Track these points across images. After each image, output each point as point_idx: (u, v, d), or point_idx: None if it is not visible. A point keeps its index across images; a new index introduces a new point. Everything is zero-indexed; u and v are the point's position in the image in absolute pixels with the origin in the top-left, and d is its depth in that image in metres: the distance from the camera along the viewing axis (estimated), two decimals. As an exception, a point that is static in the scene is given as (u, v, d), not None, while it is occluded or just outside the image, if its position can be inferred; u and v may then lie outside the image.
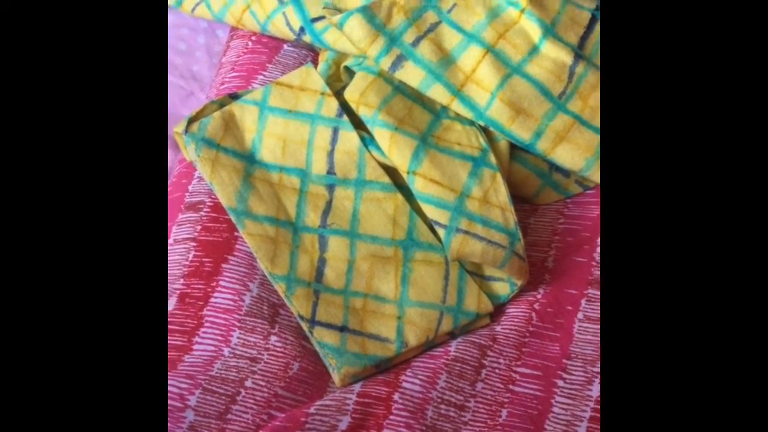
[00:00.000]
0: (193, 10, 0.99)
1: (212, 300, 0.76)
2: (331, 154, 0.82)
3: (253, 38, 0.96)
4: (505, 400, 0.73)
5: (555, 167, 0.86)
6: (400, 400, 0.72)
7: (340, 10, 0.87)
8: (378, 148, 0.82)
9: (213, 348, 0.74)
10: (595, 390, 0.72)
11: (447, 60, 0.83)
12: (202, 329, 0.75)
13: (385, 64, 0.82)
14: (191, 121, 0.83)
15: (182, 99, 1.00)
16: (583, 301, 0.77)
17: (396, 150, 0.80)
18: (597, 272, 0.79)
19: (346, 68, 0.88)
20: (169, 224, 0.81)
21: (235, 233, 0.80)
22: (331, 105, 0.84)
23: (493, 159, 0.81)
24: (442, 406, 0.72)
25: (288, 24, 0.91)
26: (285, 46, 0.95)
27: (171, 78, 1.02)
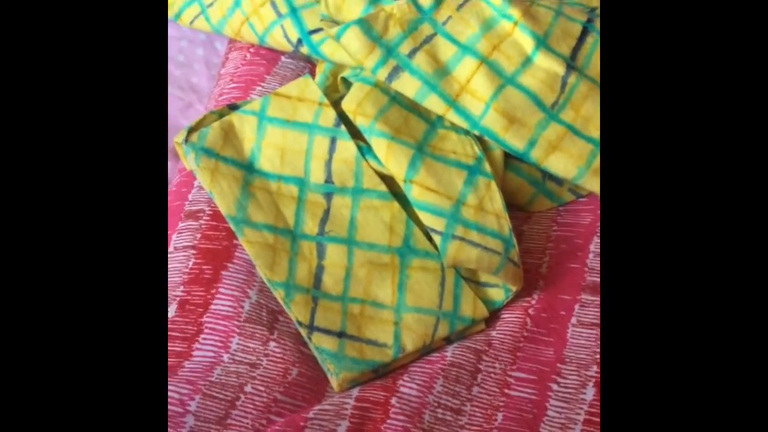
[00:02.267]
0: (192, 22, 1.01)
1: (212, 307, 0.77)
2: (328, 163, 0.84)
3: (252, 50, 0.98)
4: (501, 403, 0.74)
5: (548, 176, 0.87)
6: (398, 405, 0.73)
7: (337, 23, 0.89)
8: (375, 157, 0.84)
9: (213, 354, 0.75)
10: (589, 393, 0.73)
11: (442, 71, 0.84)
12: (202, 335, 0.76)
13: (382, 74, 0.84)
14: (191, 131, 0.84)
15: (181, 110, 1.02)
16: (576, 307, 0.79)
17: (393, 159, 0.81)
18: (590, 278, 0.81)
19: (343, 79, 0.90)
20: (169, 232, 0.83)
21: (235, 241, 0.81)
22: (329, 115, 0.85)
23: (488, 167, 0.83)
24: (439, 410, 0.73)
25: (286, 36, 0.92)
26: (283, 58, 0.97)
27: (170, 89, 1.03)
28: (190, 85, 1.04)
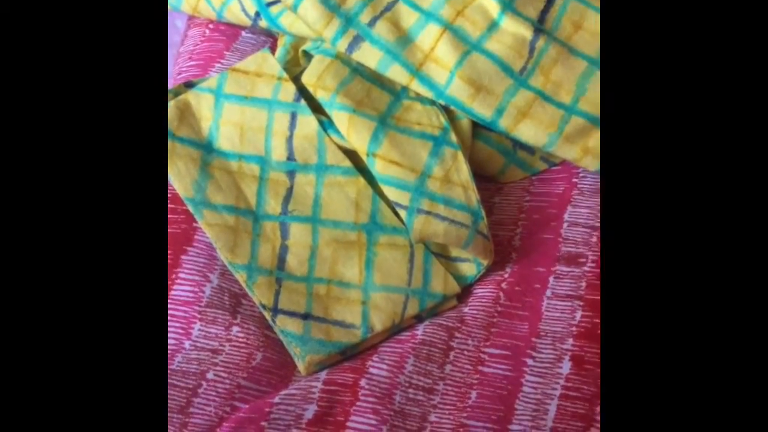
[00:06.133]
0: (149, 0, 0.97)
1: (172, 293, 0.75)
2: (290, 139, 0.81)
3: (211, 26, 0.95)
4: (475, 381, 0.71)
5: (519, 144, 0.84)
6: (367, 386, 0.70)
7: (295, -7, 0.86)
8: (337, 131, 0.81)
9: (174, 341, 0.73)
10: (566, 367, 0.71)
11: (405, 39, 0.81)
12: (163, 322, 0.73)
13: (342, 45, 0.81)
14: (146, 111, 0.81)
15: (141, 92, 0.99)
16: (551, 279, 0.76)
17: (354, 132, 0.78)
18: (564, 249, 0.78)
19: (305, 52, 0.87)
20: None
21: (194, 224, 0.78)
22: (288, 90, 0.82)
23: (454, 137, 0.80)
24: (410, 390, 0.71)
25: (243, 9, 0.89)
26: (243, 33, 0.94)
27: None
28: (151, 66, 1.01)
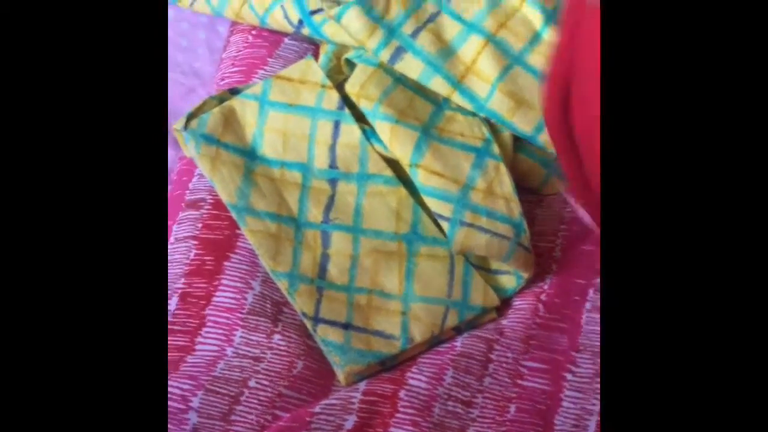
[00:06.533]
0: (192, 4, 0.98)
1: (214, 299, 0.75)
2: (332, 148, 0.81)
3: (254, 32, 0.95)
4: (513, 395, 0.71)
5: (561, 157, 0.84)
6: (406, 398, 0.71)
7: (338, 2, 0.86)
8: (380, 141, 0.81)
9: (216, 348, 0.73)
10: (605, 383, 0.71)
11: (447, 51, 0.81)
12: (205, 329, 0.74)
13: (384, 56, 0.81)
14: (190, 117, 0.82)
15: (183, 96, 0.99)
16: (590, 291, 0.76)
17: (397, 142, 0.78)
18: (605, 262, 0.78)
19: (347, 60, 0.87)
20: (170, 223, 0.81)
21: (237, 230, 0.79)
22: (332, 98, 0.82)
23: (496, 149, 0.80)
24: (449, 403, 0.71)
25: (286, 17, 0.89)
26: (286, 40, 0.94)
27: (172, 75, 1.00)
28: (193, 70, 1.01)
